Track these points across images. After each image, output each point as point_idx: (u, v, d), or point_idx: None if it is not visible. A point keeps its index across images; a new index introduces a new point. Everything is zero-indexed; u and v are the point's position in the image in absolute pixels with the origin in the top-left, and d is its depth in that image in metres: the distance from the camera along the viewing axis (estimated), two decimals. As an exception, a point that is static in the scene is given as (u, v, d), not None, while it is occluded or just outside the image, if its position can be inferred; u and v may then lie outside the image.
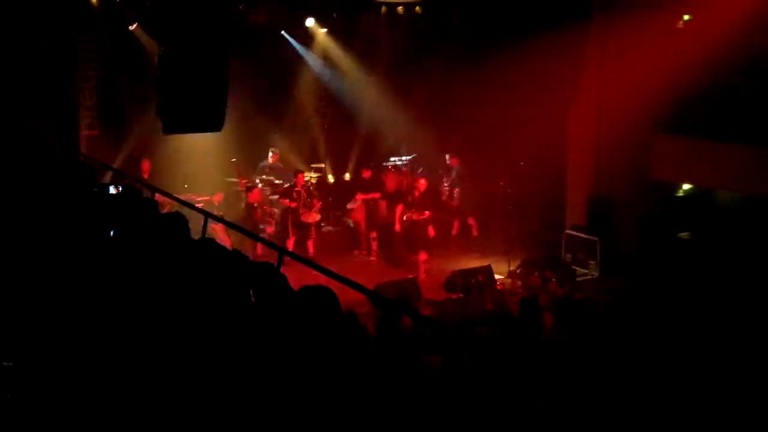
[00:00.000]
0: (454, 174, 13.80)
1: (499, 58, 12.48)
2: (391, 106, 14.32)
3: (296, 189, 12.66)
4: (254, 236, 6.80)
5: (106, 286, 4.42)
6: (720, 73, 11.05)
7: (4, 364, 3.80)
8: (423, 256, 12.24)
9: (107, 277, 4.55)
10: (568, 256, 12.61)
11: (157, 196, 7.73)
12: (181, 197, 8.72)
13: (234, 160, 13.21)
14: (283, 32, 13.70)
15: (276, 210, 12.97)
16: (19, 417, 3.63)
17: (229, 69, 9.15)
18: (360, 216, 13.63)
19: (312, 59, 14.40)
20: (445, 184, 13.73)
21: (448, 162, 13.93)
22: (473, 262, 12.15)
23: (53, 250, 4.75)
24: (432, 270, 12.17)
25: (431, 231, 12.40)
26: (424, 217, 12.36)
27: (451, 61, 14.13)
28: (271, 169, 13.66)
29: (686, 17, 11.37)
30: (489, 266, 11.63)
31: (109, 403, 3.63)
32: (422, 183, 12.68)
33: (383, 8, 13.61)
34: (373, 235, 13.44)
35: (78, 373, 3.85)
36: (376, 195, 13.59)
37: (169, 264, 4.58)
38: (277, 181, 13.47)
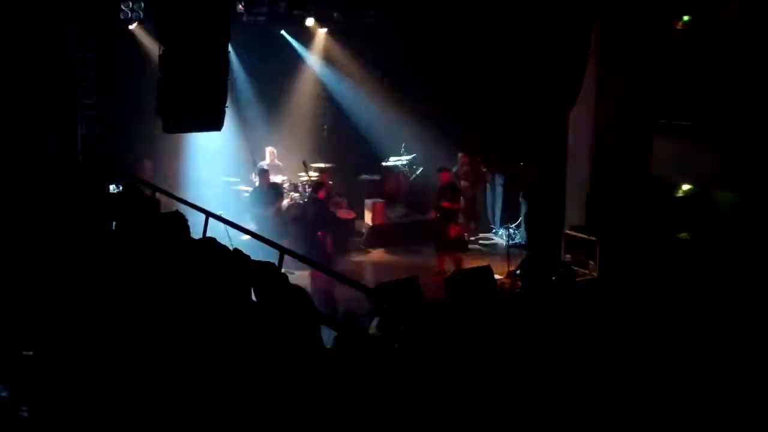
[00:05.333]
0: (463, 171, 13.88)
1: (498, 58, 12.48)
2: (390, 106, 14.31)
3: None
4: (258, 236, 6.81)
5: (107, 284, 4.42)
6: (717, 73, 11.06)
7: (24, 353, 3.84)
8: None
9: (108, 275, 4.56)
10: (568, 256, 12.60)
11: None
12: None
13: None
14: (282, 32, 13.69)
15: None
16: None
17: (229, 68, 9.18)
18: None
19: (311, 59, 14.41)
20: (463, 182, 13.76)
21: (460, 161, 13.96)
22: (472, 263, 12.15)
23: (54, 248, 4.75)
24: (432, 269, 12.18)
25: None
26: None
27: (448, 60, 14.11)
28: (270, 169, 13.64)
29: (686, 18, 11.38)
30: (488, 266, 11.61)
31: (111, 397, 3.64)
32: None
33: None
34: None
35: (79, 370, 3.86)
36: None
37: (170, 263, 4.59)
38: (278, 181, 13.46)
